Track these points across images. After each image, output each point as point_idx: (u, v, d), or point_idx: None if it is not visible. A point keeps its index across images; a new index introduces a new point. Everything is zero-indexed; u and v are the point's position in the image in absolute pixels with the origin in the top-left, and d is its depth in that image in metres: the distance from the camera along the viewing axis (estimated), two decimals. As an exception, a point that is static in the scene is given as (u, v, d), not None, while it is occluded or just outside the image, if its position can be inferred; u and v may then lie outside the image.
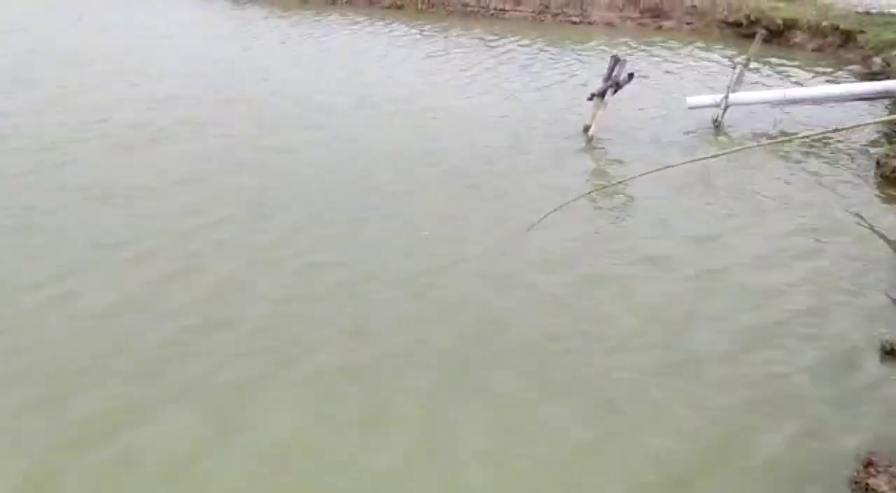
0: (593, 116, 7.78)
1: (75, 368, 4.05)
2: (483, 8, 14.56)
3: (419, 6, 14.74)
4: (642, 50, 11.43)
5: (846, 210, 6.00)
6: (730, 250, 5.45)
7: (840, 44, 10.46)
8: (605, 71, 7.87)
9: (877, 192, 6.39)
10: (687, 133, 7.91)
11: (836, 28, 10.55)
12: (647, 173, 4.35)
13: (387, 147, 7.39)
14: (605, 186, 6.60)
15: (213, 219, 5.74)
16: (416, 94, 9.20)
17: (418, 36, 12.58)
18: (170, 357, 4.14)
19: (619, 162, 7.41)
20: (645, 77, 9.32)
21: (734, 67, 8.25)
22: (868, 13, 10.95)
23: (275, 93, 9.13)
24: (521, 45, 11.84)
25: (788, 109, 8.12)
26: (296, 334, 4.37)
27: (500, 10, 14.49)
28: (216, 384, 3.94)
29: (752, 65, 8.86)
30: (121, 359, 4.12)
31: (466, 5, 14.55)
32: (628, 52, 10.64)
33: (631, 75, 7.68)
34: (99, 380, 3.97)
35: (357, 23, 13.36)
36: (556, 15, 14.00)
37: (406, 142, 7.59)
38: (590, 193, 6.35)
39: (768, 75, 9.77)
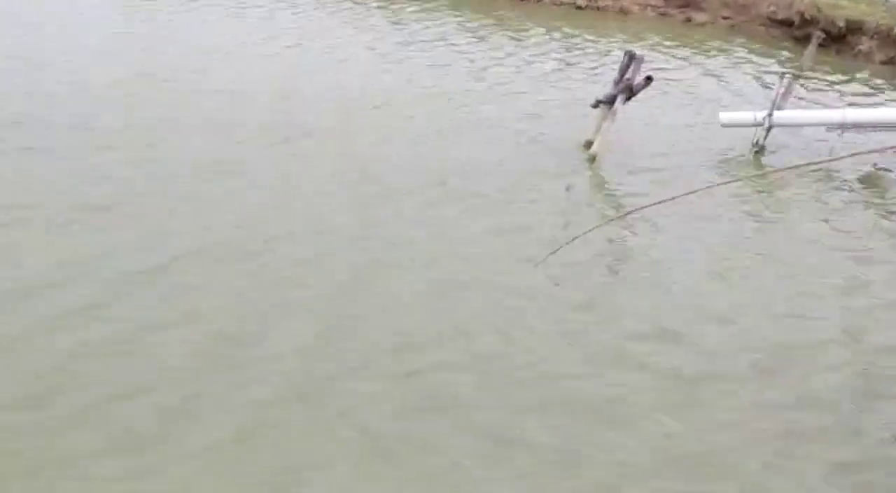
0: (598, 129, 7.98)
1: None
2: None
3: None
4: (665, 47, 11.86)
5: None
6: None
7: (923, 57, 10.95)
8: (616, 72, 8.14)
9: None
10: (719, 159, 8.19)
11: (914, 36, 11.03)
12: (652, 205, 4.49)
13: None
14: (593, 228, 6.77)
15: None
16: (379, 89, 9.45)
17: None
18: None
19: (627, 192, 7.60)
20: (667, 82, 9.64)
21: (782, 78, 8.56)
22: (954, 18, 11.47)
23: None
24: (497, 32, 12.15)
25: (848, 134, 8.42)
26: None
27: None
28: None
29: (805, 76, 9.22)
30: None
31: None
32: (647, 48, 10.95)
33: (649, 78, 7.93)
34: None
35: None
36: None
37: (379, 147, 7.89)
38: (586, 232, 6.46)
39: (823, 91, 10.17)
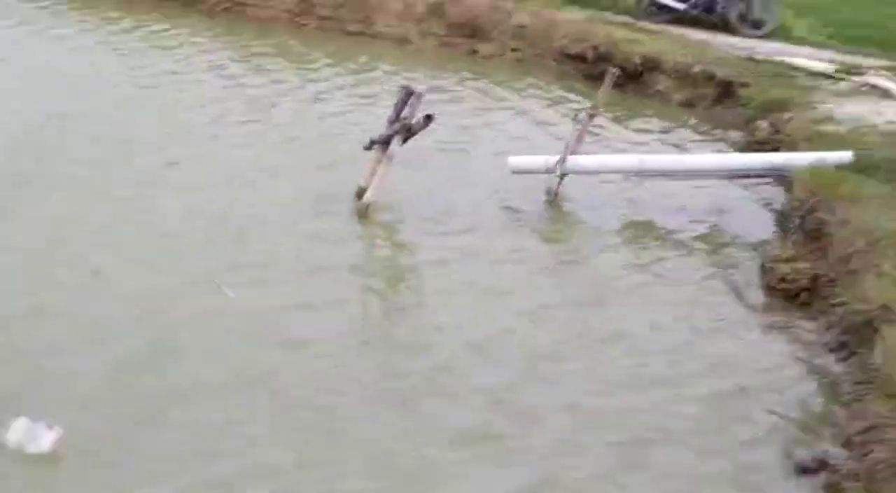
0: (372, 174, 7.94)
1: None
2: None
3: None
4: (448, 81, 12.06)
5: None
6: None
7: (716, 98, 11.57)
8: (391, 109, 8.14)
9: (756, 311, 7.00)
10: (506, 207, 8.33)
11: (712, 77, 11.68)
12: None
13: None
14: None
15: None
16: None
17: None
18: None
19: (405, 248, 7.62)
20: (450, 122, 9.76)
21: (575, 119, 8.84)
22: (753, 60, 12.26)
23: None
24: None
25: (647, 182, 8.77)
26: None
27: (241, 3, 14.69)
28: None
29: (600, 117, 9.58)
30: None
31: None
32: (425, 83, 11.06)
33: (429, 117, 7.97)
34: None
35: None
36: (324, 18, 14.35)
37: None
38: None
39: (620, 134, 10.59)
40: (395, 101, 8.15)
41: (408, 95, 8.01)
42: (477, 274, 7.15)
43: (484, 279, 7.07)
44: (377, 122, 8.56)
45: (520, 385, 5.70)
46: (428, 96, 8.29)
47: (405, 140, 7.95)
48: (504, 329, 6.39)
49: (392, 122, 8.02)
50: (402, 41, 13.83)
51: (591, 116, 8.90)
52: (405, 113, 7.94)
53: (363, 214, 7.88)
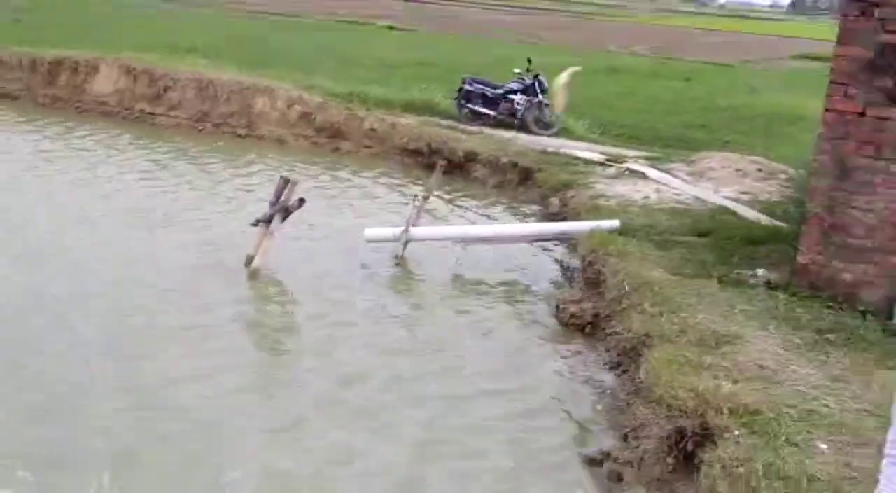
0: (258, 246, 7.91)
1: None
2: (127, 109, 14.49)
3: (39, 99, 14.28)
4: (316, 172, 12.06)
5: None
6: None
7: (520, 181, 11.92)
8: (272, 194, 8.12)
9: (553, 341, 7.17)
10: (365, 268, 8.37)
11: (515, 165, 12.05)
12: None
13: None
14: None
15: None
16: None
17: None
18: None
19: (286, 301, 7.61)
20: (318, 203, 9.76)
21: (415, 199, 9.00)
22: (545, 152, 12.69)
23: None
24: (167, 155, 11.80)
25: (472, 247, 8.94)
26: None
27: (150, 113, 14.52)
28: None
29: (434, 197, 9.76)
30: None
31: (104, 103, 14.35)
32: (300, 173, 11.10)
33: (302, 200, 7.99)
34: None
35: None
36: (218, 124, 14.32)
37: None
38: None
39: (450, 209, 10.79)
40: (275, 188, 8.13)
41: (285, 183, 8.00)
42: (345, 322, 7.15)
43: (350, 327, 7.08)
44: (261, 204, 8.49)
45: (388, 403, 5.74)
46: (302, 183, 8.33)
47: (284, 218, 7.96)
48: (368, 363, 6.42)
49: (273, 204, 7.99)
50: (281, 141, 13.87)
51: (426, 197, 9.06)
52: (283, 197, 7.94)
53: (253, 276, 7.86)
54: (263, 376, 6.32)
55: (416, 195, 9.16)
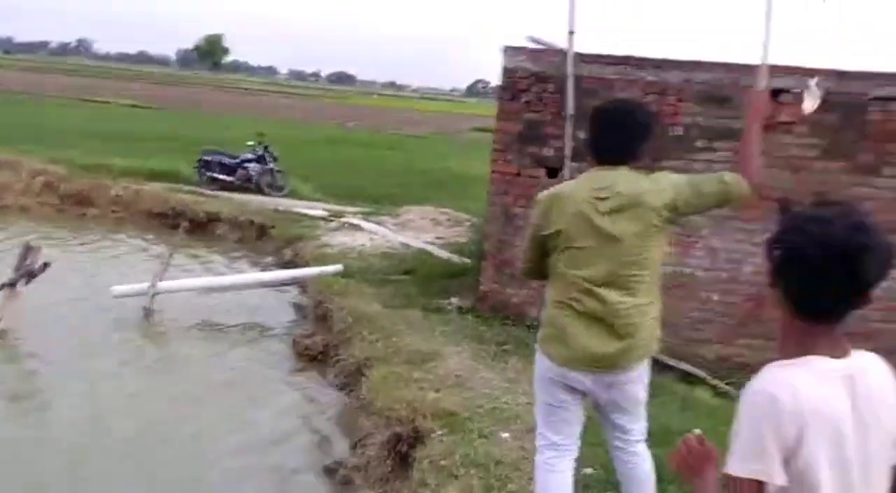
0: (3, 308, 6.97)
1: None
2: None
3: None
4: (63, 237, 10.89)
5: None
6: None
7: (257, 236, 11.60)
8: (17, 259, 7.21)
9: (291, 370, 6.99)
10: (116, 322, 7.65)
11: (252, 222, 11.73)
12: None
13: None
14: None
15: None
16: None
17: None
18: None
19: (37, 358, 6.75)
20: (66, 265, 8.80)
21: (161, 257, 8.41)
22: (278, 210, 12.50)
23: None
24: None
25: (216, 295, 8.52)
26: None
27: None
28: None
29: (179, 254, 9.18)
30: None
31: None
32: (46, 239, 9.94)
33: (46, 264, 7.17)
34: None
35: None
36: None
37: None
38: None
39: (196, 264, 10.21)
40: (19, 253, 7.22)
41: (28, 249, 7.16)
42: (100, 371, 6.45)
43: (106, 376, 6.40)
44: (6, 270, 7.48)
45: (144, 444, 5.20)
46: (50, 248, 7.47)
47: (28, 282, 7.07)
48: (117, 408, 5.83)
49: (17, 269, 7.08)
50: (25, 210, 12.32)
51: (171, 254, 8.48)
52: (28, 261, 7.07)
53: (1, 337, 6.84)
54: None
55: (161, 253, 8.56)
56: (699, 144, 6.57)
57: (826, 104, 6.31)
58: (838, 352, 1.52)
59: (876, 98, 6.15)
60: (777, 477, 1.44)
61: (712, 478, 1.60)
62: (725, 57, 6.72)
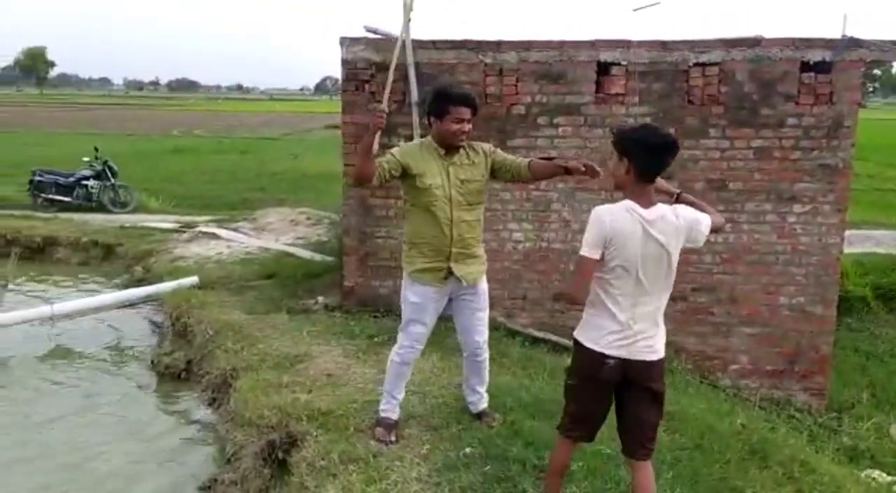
0: None
1: None
2: None
3: None
4: None
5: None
6: None
7: (103, 256, 10.86)
8: None
9: (153, 391, 6.60)
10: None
11: (97, 242, 10.97)
12: None
13: None
14: None
15: None
16: None
17: None
18: None
19: None
20: None
21: (-8, 289, 7.69)
22: (124, 227, 11.77)
23: None
24: None
25: (62, 323, 7.88)
26: None
27: None
28: None
29: (14, 285, 8.43)
30: None
31: None
32: None
33: None
34: None
35: None
36: None
37: None
38: None
39: (36, 293, 9.40)
40: None
41: None
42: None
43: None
44: None
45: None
46: None
47: None
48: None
49: None
50: None
51: (5, 285, 7.78)
52: None
53: None
54: None
55: (-8, 285, 7.83)
56: (541, 121, 6.77)
57: (653, 74, 6.70)
58: (647, 203, 3.00)
59: (696, 64, 6.56)
60: (597, 256, 2.98)
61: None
62: (557, 35, 6.94)
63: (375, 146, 4.02)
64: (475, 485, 3.78)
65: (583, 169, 3.71)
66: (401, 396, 4.41)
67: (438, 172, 4.00)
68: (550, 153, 6.52)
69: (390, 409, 4.38)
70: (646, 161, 2.95)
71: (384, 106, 4.04)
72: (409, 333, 4.23)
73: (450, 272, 4.08)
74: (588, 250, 2.97)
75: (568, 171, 3.80)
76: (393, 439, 4.25)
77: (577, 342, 3.18)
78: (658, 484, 3.84)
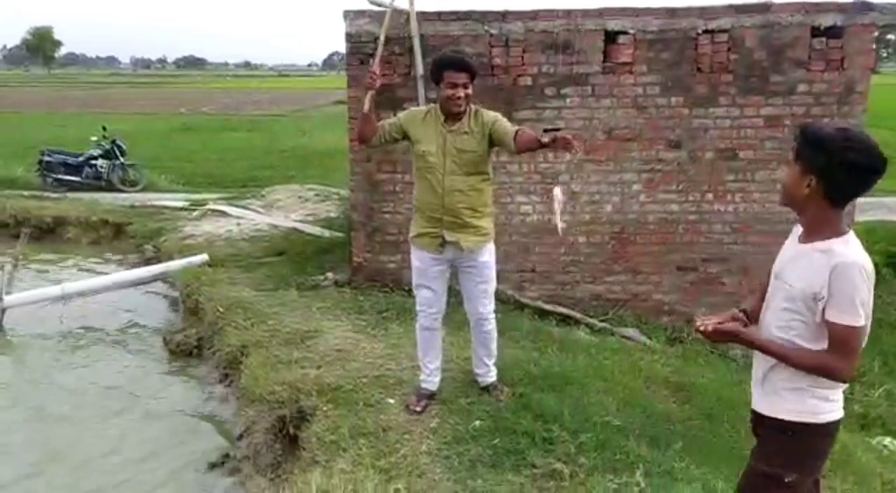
0: None
1: None
2: None
3: None
4: None
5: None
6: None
7: (113, 236, 10.87)
8: None
9: (167, 368, 6.64)
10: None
11: (107, 222, 10.98)
12: None
13: None
14: None
15: None
16: None
17: None
18: None
19: None
20: None
21: (2, 268, 7.69)
22: (133, 206, 11.78)
23: None
24: None
25: (76, 301, 7.92)
26: None
27: None
28: None
29: (26, 264, 8.46)
30: None
31: None
32: None
33: None
34: None
35: None
36: None
37: None
38: None
39: (47, 272, 9.45)
40: None
41: None
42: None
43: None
44: None
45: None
46: None
47: None
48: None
49: None
50: None
51: (15, 265, 7.81)
52: None
53: None
54: None
55: (2, 265, 7.83)
56: (548, 92, 6.67)
57: (662, 42, 6.58)
58: (831, 233, 2.26)
59: (705, 31, 6.44)
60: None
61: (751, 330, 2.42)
62: (563, 4, 6.83)
63: (366, 106, 4.04)
64: (484, 458, 3.78)
65: (547, 141, 3.47)
66: (433, 364, 4.40)
67: (435, 139, 3.97)
68: (557, 124, 6.45)
69: (425, 378, 4.43)
70: (845, 184, 2.22)
71: (376, 67, 4.00)
72: (419, 297, 4.31)
73: (445, 240, 4.07)
74: (865, 316, 2.21)
75: (543, 145, 3.60)
76: (418, 409, 4.27)
77: (805, 425, 2.38)
78: (667, 454, 3.84)
